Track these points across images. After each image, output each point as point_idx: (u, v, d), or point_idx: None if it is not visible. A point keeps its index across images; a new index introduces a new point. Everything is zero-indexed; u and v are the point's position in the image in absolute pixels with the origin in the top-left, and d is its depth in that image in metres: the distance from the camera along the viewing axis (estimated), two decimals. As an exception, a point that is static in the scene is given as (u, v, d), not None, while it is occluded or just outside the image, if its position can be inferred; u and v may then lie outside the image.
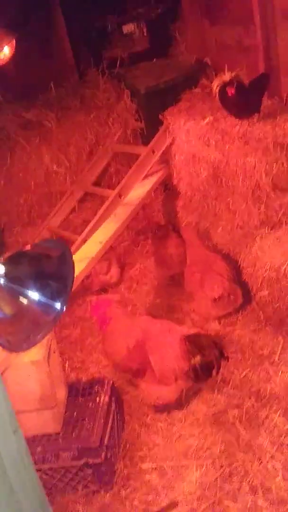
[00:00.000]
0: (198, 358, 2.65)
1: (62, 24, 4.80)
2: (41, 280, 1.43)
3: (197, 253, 3.66)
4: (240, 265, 3.47)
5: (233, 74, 3.45)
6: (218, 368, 2.66)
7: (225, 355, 2.69)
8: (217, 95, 3.52)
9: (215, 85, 3.48)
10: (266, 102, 3.66)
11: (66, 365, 3.34)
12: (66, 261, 1.49)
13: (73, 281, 1.47)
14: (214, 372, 2.66)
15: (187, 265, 3.67)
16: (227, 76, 3.42)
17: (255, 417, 2.62)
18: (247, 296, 3.45)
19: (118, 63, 4.68)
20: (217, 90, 3.47)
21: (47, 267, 1.47)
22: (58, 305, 1.43)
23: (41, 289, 1.43)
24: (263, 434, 2.50)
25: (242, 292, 3.43)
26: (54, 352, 2.65)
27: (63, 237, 4.27)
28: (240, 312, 3.43)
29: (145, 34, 4.77)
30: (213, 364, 2.65)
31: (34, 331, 1.44)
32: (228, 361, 2.77)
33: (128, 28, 4.83)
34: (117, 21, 4.84)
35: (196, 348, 2.66)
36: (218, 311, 3.44)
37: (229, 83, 3.38)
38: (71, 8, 4.78)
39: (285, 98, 3.72)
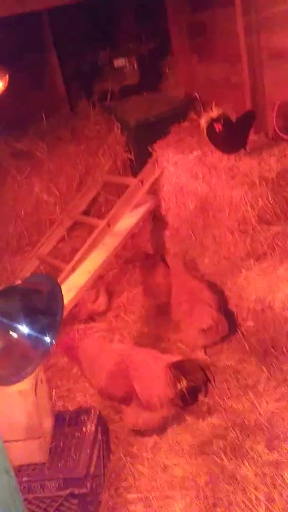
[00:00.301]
0: (184, 383, 2.69)
1: (55, 58, 4.94)
2: (32, 315, 1.48)
3: (183, 282, 3.71)
4: (226, 295, 3.54)
5: (221, 110, 3.57)
6: (206, 392, 2.71)
7: (211, 379, 2.73)
8: (205, 131, 3.64)
9: (203, 121, 3.61)
10: (252, 137, 3.79)
11: (53, 393, 3.34)
12: (55, 296, 1.54)
13: (62, 316, 1.51)
14: (201, 396, 2.72)
15: (173, 294, 3.71)
16: (214, 113, 3.55)
17: (240, 447, 2.65)
18: (233, 325, 3.51)
19: (109, 96, 4.82)
20: (205, 126, 3.59)
21: (38, 302, 1.52)
22: (47, 339, 1.47)
23: (31, 323, 1.47)
24: (247, 465, 2.52)
25: (228, 321, 3.50)
26: (41, 382, 2.66)
27: (52, 265, 4.31)
28: (226, 341, 3.47)
29: (135, 68, 4.92)
30: (200, 388, 2.70)
31: (24, 364, 1.48)
32: (213, 384, 2.80)
33: (119, 62, 4.99)
34: (108, 56, 5.00)
35: (182, 374, 2.71)
36: (206, 341, 3.48)
37: (217, 119, 3.51)
38: (64, 42, 4.93)
39: (270, 133, 3.86)
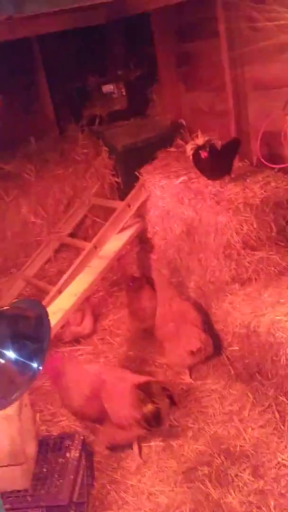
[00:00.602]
0: (149, 407, 2.73)
1: (45, 82, 5.01)
2: (19, 340, 1.48)
3: (169, 300, 3.71)
4: (211, 319, 3.56)
5: (207, 138, 3.65)
6: (168, 415, 2.79)
7: (175, 402, 2.82)
8: (191, 157, 3.71)
9: (189, 148, 3.68)
10: (237, 164, 3.87)
11: (37, 418, 3.30)
12: (43, 322, 1.55)
13: (49, 341, 1.52)
14: (167, 421, 2.79)
15: (159, 314, 3.71)
16: (200, 140, 3.63)
17: (225, 475, 2.63)
18: (218, 350, 3.52)
19: (97, 120, 4.89)
20: (191, 153, 3.66)
21: (25, 328, 1.52)
22: (34, 365, 1.47)
23: (18, 349, 1.47)
24: (232, 493, 2.51)
25: (213, 344, 3.52)
26: (25, 406, 2.64)
27: (38, 287, 4.30)
28: (211, 366, 3.48)
29: (124, 94, 5.01)
30: (165, 411, 2.74)
31: (10, 390, 1.47)
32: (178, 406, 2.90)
33: (107, 88, 5.08)
34: (97, 81, 5.08)
35: (147, 396, 2.74)
36: (192, 362, 3.49)
37: (203, 146, 3.58)
38: (54, 67, 5.02)
39: (254, 161, 3.95)
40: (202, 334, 3.44)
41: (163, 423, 2.81)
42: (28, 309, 1.59)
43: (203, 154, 3.55)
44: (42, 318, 1.54)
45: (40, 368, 1.49)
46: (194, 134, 4.28)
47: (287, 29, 3.05)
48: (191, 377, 3.47)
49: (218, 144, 3.68)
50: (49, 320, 1.55)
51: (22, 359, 1.47)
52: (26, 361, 1.48)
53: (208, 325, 3.58)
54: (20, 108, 4.88)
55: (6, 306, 1.58)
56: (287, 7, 2.97)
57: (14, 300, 1.87)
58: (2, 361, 1.46)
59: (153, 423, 2.74)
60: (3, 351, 1.46)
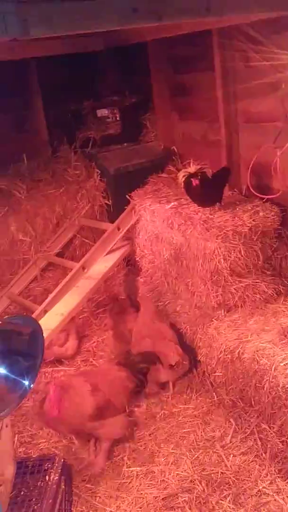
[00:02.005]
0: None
1: (40, 103, 5.07)
2: (11, 356, 1.48)
3: (147, 318, 3.77)
4: (196, 344, 3.58)
5: (198, 167, 3.73)
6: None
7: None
8: (182, 185, 3.77)
9: (181, 176, 3.74)
10: (227, 193, 3.95)
11: (16, 439, 3.24)
12: (36, 339, 1.55)
13: (42, 359, 1.51)
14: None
15: (136, 330, 3.74)
16: (192, 168, 3.70)
17: (205, 502, 2.61)
18: (201, 375, 3.53)
19: (90, 143, 4.95)
20: (183, 180, 3.73)
21: (18, 344, 1.52)
22: (26, 383, 1.47)
23: (10, 365, 1.46)
24: None
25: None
26: (6, 426, 2.58)
27: (23, 306, 4.27)
28: (194, 391, 3.48)
29: (118, 119, 5.09)
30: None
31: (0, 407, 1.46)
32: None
33: (102, 112, 5.15)
34: (92, 105, 5.16)
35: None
36: (172, 377, 3.51)
37: (194, 174, 3.65)
38: (50, 89, 5.09)
39: (244, 190, 4.04)
40: (179, 348, 3.49)
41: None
42: (22, 325, 1.59)
43: (195, 182, 3.62)
44: (36, 334, 1.54)
45: (32, 386, 1.48)
46: (186, 162, 4.38)
47: (282, 69, 3.17)
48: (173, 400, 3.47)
49: (209, 172, 3.76)
50: (43, 337, 1.55)
51: (13, 376, 1.47)
52: (18, 378, 1.48)
53: (191, 350, 3.60)
54: (13, 127, 4.92)
55: (-1, 321, 1.57)
56: (281, 47, 3.09)
57: (7, 316, 1.86)
58: (-7, 376, 1.45)
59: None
60: (-6, 366, 1.45)
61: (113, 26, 2.36)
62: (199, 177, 3.61)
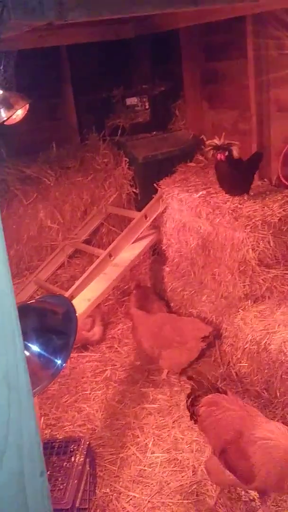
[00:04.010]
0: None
1: (70, 91, 5.09)
2: (45, 334, 1.49)
3: (150, 317, 3.79)
4: (222, 334, 3.57)
5: (226, 142, 3.63)
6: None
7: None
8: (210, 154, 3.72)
9: (208, 148, 3.67)
10: (256, 182, 3.90)
11: (41, 421, 3.29)
12: (70, 318, 1.56)
13: (75, 338, 1.53)
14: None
15: (144, 331, 3.67)
16: (218, 140, 3.62)
17: (234, 489, 2.61)
18: (227, 365, 3.52)
19: (119, 131, 4.95)
20: (211, 154, 3.66)
21: (52, 323, 1.54)
22: (58, 361, 1.48)
23: (44, 343, 1.48)
24: (239, 509, 2.49)
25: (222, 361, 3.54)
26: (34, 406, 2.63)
27: (50, 291, 4.31)
28: (219, 381, 3.47)
29: (147, 108, 5.07)
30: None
31: (32, 384, 1.48)
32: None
33: (131, 100, 5.14)
34: (121, 93, 5.15)
35: None
36: (198, 351, 3.53)
37: (221, 148, 3.58)
38: (80, 76, 5.10)
39: (274, 180, 3.98)
40: (199, 320, 3.62)
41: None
42: (56, 304, 1.61)
43: (220, 156, 3.55)
44: (70, 314, 1.56)
45: (64, 364, 1.50)
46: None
47: None
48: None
49: (237, 151, 3.64)
50: (76, 317, 1.57)
51: (47, 354, 1.49)
52: (51, 357, 1.50)
53: (218, 339, 3.59)
54: (44, 115, 4.95)
55: (33, 300, 1.59)
56: None
57: (42, 295, 1.88)
58: (27, 353, 1.47)
59: None
60: (28, 343, 1.47)
61: (150, 10, 2.34)
62: (226, 153, 3.55)
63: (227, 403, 2.48)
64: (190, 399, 2.62)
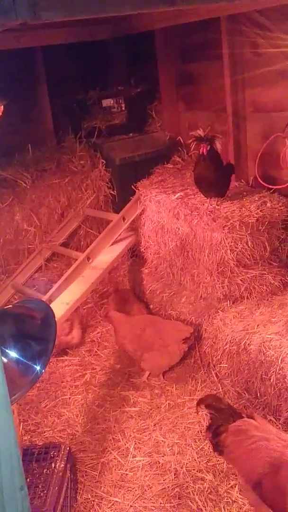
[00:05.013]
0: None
1: (45, 92, 5.04)
2: (23, 340, 1.46)
3: (131, 319, 3.78)
4: (201, 335, 3.57)
5: (209, 135, 3.61)
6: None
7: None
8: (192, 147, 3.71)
9: (191, 140, 3.66)
10: (233, 184, 3.92)
11: (20, 428, 3.23)
12: (49, 323, 1.53)
13: (54, 343, 1.50)
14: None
15: (126, 334, 3.65)
16: (201, 132, 3.60)
17: (214, 492, 2.61)
18: (207, 367, 3.52)
19: (95, 133, 4.92)
20: (193, 146, 3.66)
21: (30, 328, 1.50)
22: (37, 367, 1.45)
23: (22, 349, 1.45)
24: (223, 510, 2.48)
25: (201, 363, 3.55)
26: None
27: (27, 295, 4.25)
28: (200, 382, 3.47)
29: (123, 109, 5.05)
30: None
31: (11, 391, 1.45)
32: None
33: (107, 102, 5.12)
34: (97, 95, 5.12)
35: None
36: (180, 354, 3.52)
37: (204, 139, 3.57)
38: (55, 78, 5.05)
39: (251, 181, 4.01)
40: (181, 322, 3.60)
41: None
42: (34, 309, 1.58)
43: (203, 149, 3.54)
44: (49, 319, 1.52)
45: (43, 370, 1.47)
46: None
47: (291, 55, 3.13)
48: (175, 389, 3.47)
49: (219, 146, 3.62)
50: (55, 321, 1.53)
51: (25, 360, 1.45)
52: (29, 363, 1.46)
53: (198, 341, 3.59)
54: (19, 117, 4.89)
55: (10, 305, 1.55)
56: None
57: (20, 300, 1.84)
58: (5, 360, 1.43)
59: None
60: (6, 350, 1.44)
61: (127, 11, 2.31)
62: (208, 147, 3.54)
63: (258, 431, 2.26)
64: (212, 430, 2.40)
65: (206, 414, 2.71)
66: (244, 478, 2.30)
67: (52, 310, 1.59)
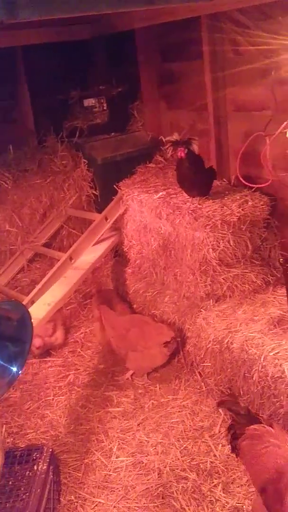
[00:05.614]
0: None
1: (26, 92, 4.99)
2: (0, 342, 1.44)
3: (120, 316, 3.80)
4: (184, 334, 3.57)
5: (185, 138, 3.60)
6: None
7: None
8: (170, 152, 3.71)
9: (167, 146, 3.67)
10: (215, 182, 3.92)
11: (3, 430, 3.21)
12: (25, 324, 1.51)
13: (30, 345, 1.48)
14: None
15: (112, 327, 3.71)
16: (176, 136, 3.60)
17: (197, 491, 2.61)
18: (190, 366, 3.53)
19: (77, 133, 4.89)
20: (171, 152, 3.66)
21: (6, 330, 1.48)
22: (14, 369, 1.43)
23: (-2, 351, 1.43)
24: (205, 509, 2.48)
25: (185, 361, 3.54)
26: (-6, 416, 2.56)
27: (10, 296, 4.22)
28: (183, 381, 3.47)
29: (105, 109, 5.03)
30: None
31: (-13, 393, 1.43)
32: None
33: (89, 102, 5.09)
34: (79, 95, 5.09)
35: None
36: (163, 358, 3.51)
37: (180, 143, 3.56)
38: (36, 78, 5.01)
39: (233, 180, 4.02)
40: (168, 326, 3.55)
41: None
42: (10, 310, 1.56)
43: (180, 153, 3.55)
44: (25, 320, 1.51)
45: (20, 372, 1.45)
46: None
47: (270, 54, 3.14)
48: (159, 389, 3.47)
49: (196, 149, 3.63)
50: (32, 322, 1.52)
51: (1, 362, 1.43)
52: (5, 364, 1.44)
53: (181, 340, 3.59)
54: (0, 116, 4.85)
55: (-14, 307, 1.53)
56: (271, 32, 3.07)
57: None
58: (-20, 362, 1.42)
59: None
60: (-18, 352, 1.42)
61: (105, 9, 2.31)
62: (186, 150, 3.55)
63: (272, 438, 2.25)
64: (232, 432, 2.41)
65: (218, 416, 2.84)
66: (252, 481, 2.32)
67: (28, 311, 1.58)
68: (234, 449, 2.40)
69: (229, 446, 2.44)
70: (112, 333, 3.70)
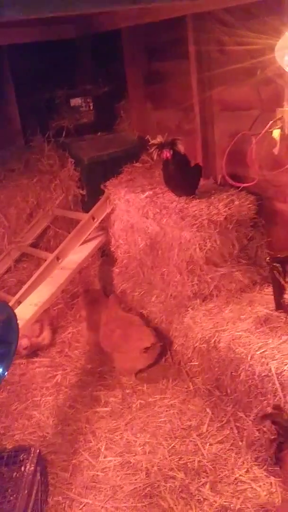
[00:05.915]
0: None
1: (12, 93, 4.97)
2: (-16, 343, 1.43)
3: (114, 312, 3.77)
4: (171, 334, 3.57)
5: (169, 139, 3.60)
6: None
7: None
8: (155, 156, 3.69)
9: (152, 149, 3.67)
10: (202, 182, 3.93)
11: (-10, 431, 3.19)
12: (11, 325, 1.50)
13: (17, 346, 1.47)
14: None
15: (103, 326, 3.73)
16: (160, 138, 3.60)
17: (185, 490, 2.61)
18: (177, 365, 3.53)
19: (64, 133, 4.88)
20: (156, 155, 3.66)
21: (-9, 331, 1.47)
22: (0, 370, 1.42)
23: (-17, 352, 1.42)
24: (193, 508, 2.49)
25: (173, 361, 3.54)
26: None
27: (-4, 297, 4.20)
28: (170, 381, 3.48)
29: (91, 108, 5.02)
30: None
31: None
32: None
33: (75, 101, 5.08)
34: (65, 94, 5.08)
35: None
36: (144, 362, 3.51)
37: (165, 144, 3.57)
38: (22, 77, 4.99)
39: (219, 179, 4.03)
40: (151, 331, 3.51)
41: None
42: (-5, 311, 1.55)
43: (166, 154, 3.55)
44: (11, 321, 1.50)
45: (5, 373, 1.44)
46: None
47: (256, 54, 3.15)
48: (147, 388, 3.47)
49: (182, 149, 3.64)
50: (18, 323, 1.51)
51: (-14, 363, 1.42)
52: (-10, 365, 1.43)
53: (168, 340, 3.60)
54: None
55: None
56: (257, 32, 3.08)
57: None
58: None
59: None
60: None
61: (89, 9, 2.30)
62: (170, 150, 3.54)
63: None
64: (276, 445, 2.44)
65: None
66: None
67: (14, 312, 1.56)
68: (278, 461, 2.40)
69: (274, 458, 2.45)
70: (103, 330, 3.71)
